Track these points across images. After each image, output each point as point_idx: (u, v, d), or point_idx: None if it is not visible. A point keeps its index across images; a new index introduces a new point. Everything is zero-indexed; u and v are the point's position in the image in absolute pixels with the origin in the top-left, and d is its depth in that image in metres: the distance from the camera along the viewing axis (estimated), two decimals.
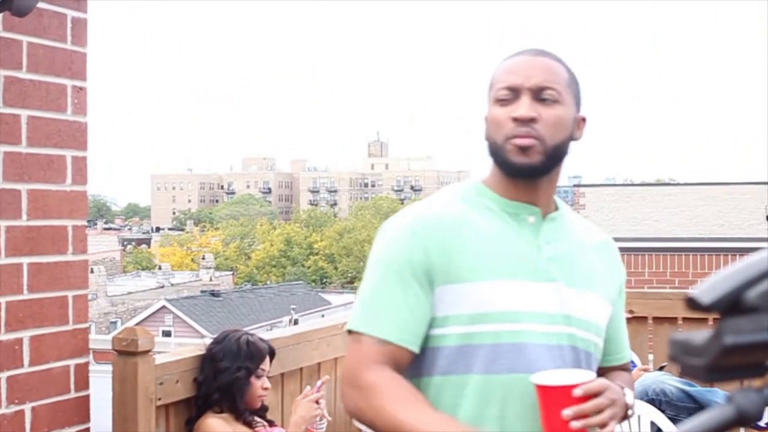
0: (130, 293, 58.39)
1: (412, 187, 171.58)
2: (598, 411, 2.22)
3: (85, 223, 4.18)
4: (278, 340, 4.91)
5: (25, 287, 3.87)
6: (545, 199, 2.45)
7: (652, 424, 5.66)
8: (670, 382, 6.00)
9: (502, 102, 2.38)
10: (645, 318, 7.24)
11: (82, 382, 4.11)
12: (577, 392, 2.20)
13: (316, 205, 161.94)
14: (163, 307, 47.44)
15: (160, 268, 72.90)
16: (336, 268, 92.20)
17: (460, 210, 2.40)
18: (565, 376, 2.25)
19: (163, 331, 42.19)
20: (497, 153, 2.39)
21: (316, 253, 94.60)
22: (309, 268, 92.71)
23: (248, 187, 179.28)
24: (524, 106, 2.35)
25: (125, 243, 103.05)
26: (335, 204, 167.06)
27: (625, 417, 2.38)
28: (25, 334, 3.88)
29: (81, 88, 4.12)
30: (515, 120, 2.34)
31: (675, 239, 16.05)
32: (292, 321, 41.92)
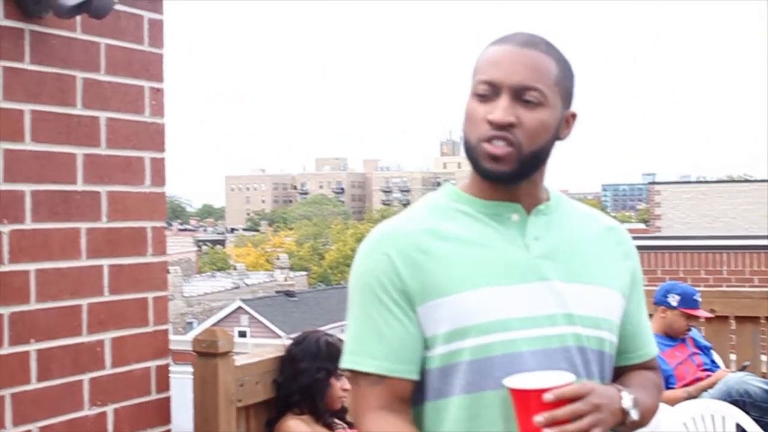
0: (205, 294, 58.96)
1: None
2: (576, 417, 2.00)
3: (164, 225, 4.19)
4: None
5: (106, 289, 3.88)
6: (528, 194, 2.24)
7: (738, 426, 5.53)
8: (754, 382, 5.86)
9: (480, 97, 2.17)
10: (727, 317, 7.09)
11: (163, 383, 4.11)
12: (548, 397, 1.99)
13: (389, 204, 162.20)
14: (239, 307, 47.81)
15: (235, 268, 73.54)
16: None
17: (429, 220, 2.22)
18: (546, 378, 2.05)
19: (239, 332, 42.50)
20: (470, 152, 2.20)
21: None
22: None
23: (321, 187, 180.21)
24: (501, 109, 2.13)
25: (200, 244, 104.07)
26: (408, 203, 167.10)
27: (621, 423, 2.14)
28: (107, 336, 3.89)
29: (158, 90, 4.12)
30: (490, 123, 2.14)
31: (752, 236, 15.75)
32: None
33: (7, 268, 3.53)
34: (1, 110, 3.51)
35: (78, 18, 3.70)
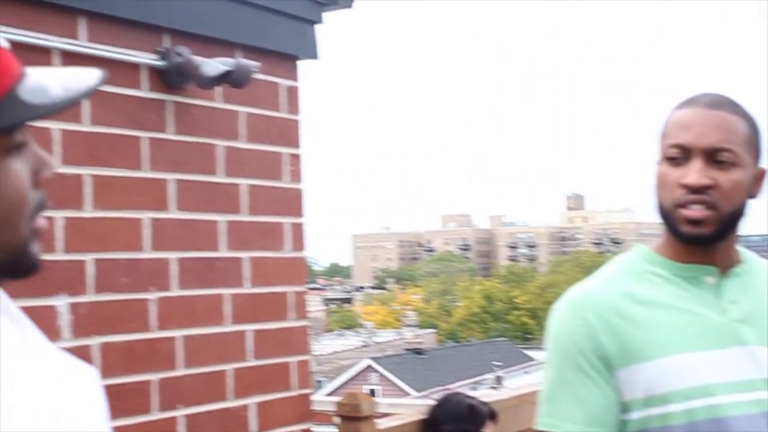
0: (335, 352, 59.24)
1: (612, 240, 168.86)
2: None
3: (305, 289, 4.22)
4: (498, 402, 4.82)
5: (250, 354, 3.92)
6: (724, 256, 2.22)
7: None
8: None
9: (671, 161, 2.16)
10: None
11: None
12: None
13: (516, 260, 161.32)
14: (369, 366, 47.88)
15: (363, 326, 73.86)
16: (539, 324, 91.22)
17: (626, 284, 2.21)
18: None
19: (369, 390, 42.56)
20: (666, 218, 2.19)
21: (518, 309, 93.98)
22: (511, 323, 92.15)
23: (447, 244, 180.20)
24: (696, 172, 2.12)
25: (329, 302, 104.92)
26: (534, 259, 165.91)
27: None
28: (252, 401, 3.92)
29: (296, 155, 4.17)
30: (685, 187, 2.12)
31: None
32: (497, 378, 41.61)
33: (155, 335, 3.60)
34: (147, 180, 3.60)
35: (218, 88, 3.78)
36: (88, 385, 1.11)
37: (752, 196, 2.21)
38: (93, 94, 1.15)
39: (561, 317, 2.24)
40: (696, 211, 2.13)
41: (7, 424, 1.01)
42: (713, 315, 2.18)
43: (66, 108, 1.13)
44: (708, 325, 2.17)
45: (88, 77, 1.16)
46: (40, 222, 1.18)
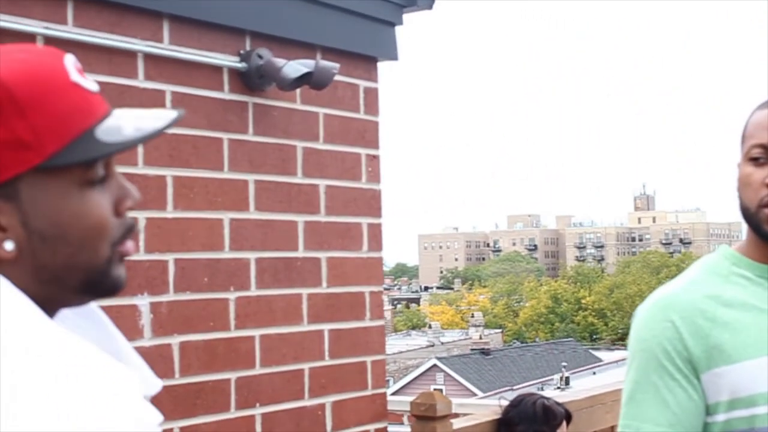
0: (401, 352, 59.25)
1: (681, 240, 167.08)
2: None
3: (381, 289, 4.24)
4: (572, 403, 4.80)
5: (326, 353, 3.95)
6: None
7: None
8: None
9: (755, 161, 2.16)
10: None
11: None
12: None
13: (583, 260, 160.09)
14: (434, 365, 47.85)
15: (430, 326, 73.85)
16: (606, 324, 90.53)
17: (711, 286, 2.20)
18: None
19: (435, 389, 42.47)
20: (750, 218, 2.18)
21: (585, 309, 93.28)
22: (578, 324, 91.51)
23: (514, 244, 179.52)
24: None
25: (395, 302, 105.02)
26: (602, 259, 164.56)
27: None
28: (328, 400, 3.95)
29: (374, 156, 4.19)
30: None
31: None
32: (563, 379, 41.35)
33: (234, 334, 3.64)
34: (227, 181, 3.64)
35: (298, 89, 3.81)
36: (117, 390, 1.17)
37: None
38: (162, 133, 1.26)
39: (646, 319, 2.24)
40: None
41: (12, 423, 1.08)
42: None
43: (134, 146, 1.24)
44: None
45: (163, 118, 1.27)
46: (128, 247, 1.30)
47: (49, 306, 1.25)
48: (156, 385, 1.40)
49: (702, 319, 2.16)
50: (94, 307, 1.36)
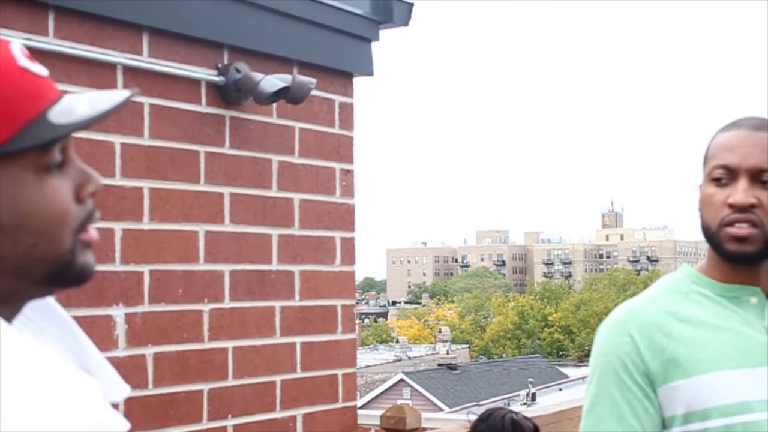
0: (368, 366, 59.20)
1: (648, 258, 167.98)
2: None
3: (353, 303, 4.28)
4: (539, 418, 4.85)
5: (298, 365, 3.98)
6: (767, 276, 2.26)
7: None
8: None
9: (717, 182, 2.21)
10: None
11: None
12: None
13: (551, 277, 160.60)
14: (401, 380, 47.84)
15: (397, 341, 73.75)
16: (573, 341, 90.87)
17: (670, 303, 2.26)
18: None
19: (401, 404, 42.36)
20: (711, 238, 2.23)
21: (552, 326, 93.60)
22: (544, 340, 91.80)
23: (482, 260, 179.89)
24: (741, 191, 2.17)
25: (363, 317, 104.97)
26: (570, 276, 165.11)
27: None
28: (299, 412, 3.98)
29: (348, 171, 4.24)
30: (731, 206, 2.17)
31: None
32: (530, 395, 41.44)
33: (208, 345, 3.67)
34: (203, 193, 3.67)
35: (274, 104, 3.84)
36: (83, 400, 1.14)
37: None
38: (118, 109, 1.22)
39: (607, 333, 2.30)
40: (741, 229, 2.18)
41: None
42: (755, 334, 2.22)
43: (89, 124, 1.20)
44: (749, 344, 2.21)
45: (118, 96, 1.23)
46: (91, 233, 1.25)
47: (14, 299, 1.22)
48: (123, 389, 1.35)
49: (659, 334, 2.21)
50: (58, 309, 1.33)
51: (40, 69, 1.22)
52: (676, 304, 2.26)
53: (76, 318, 3.25)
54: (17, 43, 1.22)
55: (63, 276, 1.24)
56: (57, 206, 1.21)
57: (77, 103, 1.22)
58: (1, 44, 1.21)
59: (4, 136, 1.17)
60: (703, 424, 2.16)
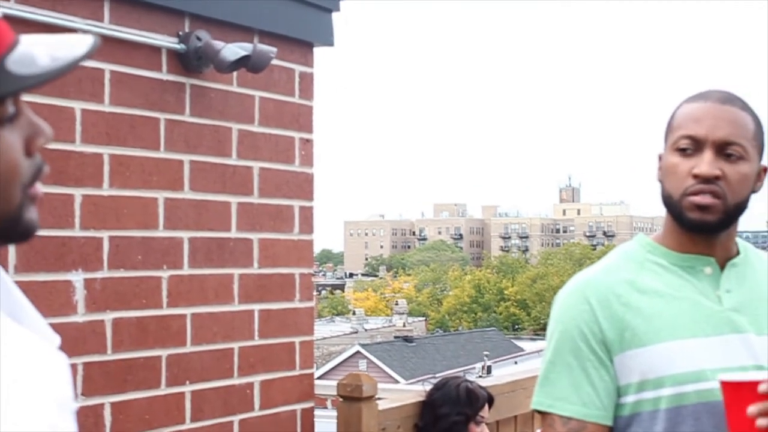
0: (324, 338, 59.29)
1: (604, 233, 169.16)
2: None
3: (311, 271, 4.31)
4: (494, 387, 4.91)
5: (256, 333, 4.02)
6: (723, 247, 2.31)
7: None
8: None
9: (682, 152, 2.25)
10: None
11: (308, 426, 4.22)
12: (763, 387, 2.03)
13: (508, 251, 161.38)
14: (357, 352, 47.96)
15: (354, 313, 73.96)
16: (529, 314, 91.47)
17: (628, 271, 2.31)
18: (757, 375, 2.11)
19: None
20: (673, 206, 2.28)
21: (508, 300, 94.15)
22: (501, 314, 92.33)
23: (440, 233, 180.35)
24: (707, 163, 2.21)
25: (320, 288, 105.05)
26: (527, 250, 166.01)
27: None
28: (256, 379, 4.01)
29: (308, 140, 4.26)
30: (696, 176, 2.22)
31: None
32: (485, 368, 41.72)
33: (166, 311, 3.69)
34: (163, 160, 3.68)
35: (235, 72, 3.86)
36: (49, 363, 1.10)
37: (754, 191, 2.30)
38: (81, 62, 1.15)
39: (564, 302, 2.34)
40: (705, 198, 2.22)
41: None
42: (709, 303, 2.27)
43: (52, 79, 1.14)
44: (703, 313, 2.26)
45: (79, 45, 1.16)
46: (37, 189, 1.20)
47: None
48: (54, 340, 1.27)
49: (617, 303, 2.26)
50: None
51: None
52: (633, 273, 2.31)
53: (36, 283, 3.28)
54: None
55: (9, 232, 1.19)
56: (9, 161, 1.15)
57: (37, 50, 1.14)
58: None
59: None
60: (657, 392, 2.22)
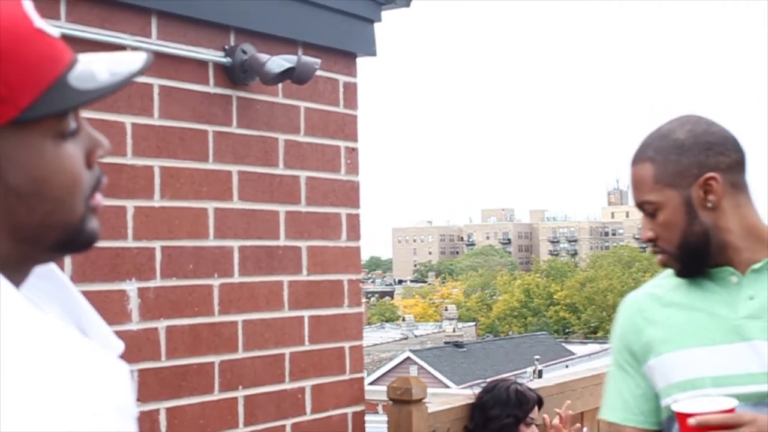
0: (375, 345, 59.34)
1: None
2: None
3: (359, 277, 4.39)
4: (543, 389, 4.96)
5: (306, 338, 4.09)
6: (745, 256, 2.32)
7: None
8: None
9: (643, 211, 2.39)
10: None
11: (359, 428, 4.29)
12: (690, 422, 2.06)
13: (557, 255, 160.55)
14: (408, 358, 47.99)
15: (403, 319, 73.99)
16: (579, 318, 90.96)
17: (661, 288, 2.45)
18: (717, 402, 2.13)
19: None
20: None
21: (557, 304, 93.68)
22: (551, 318, 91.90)
23: (488, 238, 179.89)
24: (641, 230, 2.39)
25: (369, 296, 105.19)
26: (576, 254, 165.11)
27: None
28: (307, 383, 4.09)
29: (353, 149, 4.34)
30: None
31: None
32: (536, 372, 41.57)
33: (218, 319, 3.78)
34: (212, 171, 3.77)
35: (280, 84, 3.94)
36: (109, 370, 1.15)
37: (706, 209, 2.30)
38: (137, 76, 1.21)
39: (616, 317, 2.55)
40: (659, 258, 2.40)
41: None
42: (724, 312, 2.33)
43: (112, 92, 1.20)
44: (715, 323, 2.33)
45: (135, 61, 1.22)
46: (98, 199, 1.25)
47: (24, 266, 1.22)
48: (118, 347, 1.32)
49: (640, 317, 2.43)
50: (55, 269, 1.31)
51: (53, 30, 1.19)
52: (666, 288, 2.45)
53: (91, 293, 3.38)
54: (29, 2, 1.18)
55: (73, 242, 1.24)
56: (72, 173, 1.20)
57: (96, 67, 1.20)
58: (15, 4, 1.16)
59: (26, 102, 1.14)
60: (667, 399, 2.35)
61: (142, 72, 1.21)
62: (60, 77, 1.17)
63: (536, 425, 4.57)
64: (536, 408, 4.55)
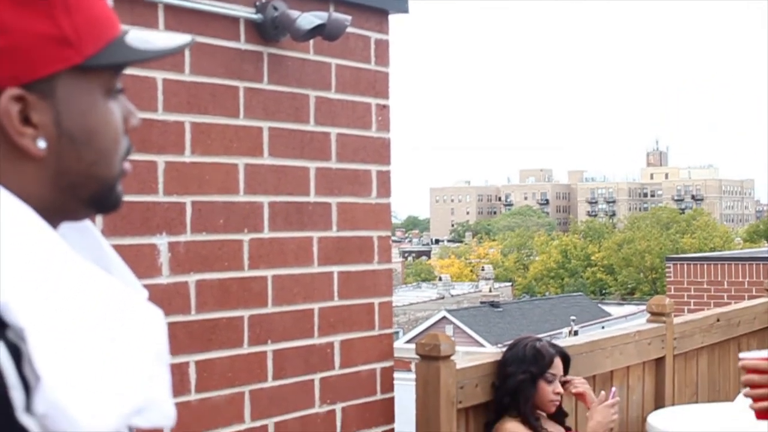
0: (411, 304, 59.54)
1: (693, 197, 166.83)
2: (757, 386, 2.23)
3: (389, 234, 4.41)
4: (572, 347, 4.97)
5: (335, 294, 4.13)
6: None
7: None
8: None
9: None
10: None
11: (388, 384, 4.33)
12: (741, 363, 2.31)
13: (595, 215, 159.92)
14: (444, 317, 48.13)
15: (440, 279, 74.14)
16: (616, 279, 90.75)
17: None
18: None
19: None
20: None
21: (594, 265, 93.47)
22: (588, 279, 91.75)
23: (526, 198, 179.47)
24: None
25: (406, 255, 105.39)
26: (614, 215, 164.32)
27: None
28: (336, 338, 4.13)
29: (384, 106, 4.35)
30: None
31: None
32: (572, 332, 41.55)
33: (247, 273, 3.82)
34: (242, 128, 3.80)
35: (311, 40, 3.95)
36: (148, 314, 1.23)
37: None
38: (189, 47, 1.33)
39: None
40: None
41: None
42: None
43: (169, 54, 1.29)
44: None
45: (179, 39, 1.32)
46: (126, 165, 1.32)
47: (56, 216, 1.26)
48: (143, 293, 1.34)
49: None
50: (87, 222, 1.36)
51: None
52: None
53: (122, 246, 3.42)
54: None
55: (104, 200, 1.30)
56: (117, 130, 1.28)
57: (148, 36, 1.29)
58: None
59: (91, 51, 1.22)
60: None
61: (190, 45, 1.32)
62: (120, 35, 1.26)
63: (563, 383, 4.58)
64: (560, 363, 4.55)
